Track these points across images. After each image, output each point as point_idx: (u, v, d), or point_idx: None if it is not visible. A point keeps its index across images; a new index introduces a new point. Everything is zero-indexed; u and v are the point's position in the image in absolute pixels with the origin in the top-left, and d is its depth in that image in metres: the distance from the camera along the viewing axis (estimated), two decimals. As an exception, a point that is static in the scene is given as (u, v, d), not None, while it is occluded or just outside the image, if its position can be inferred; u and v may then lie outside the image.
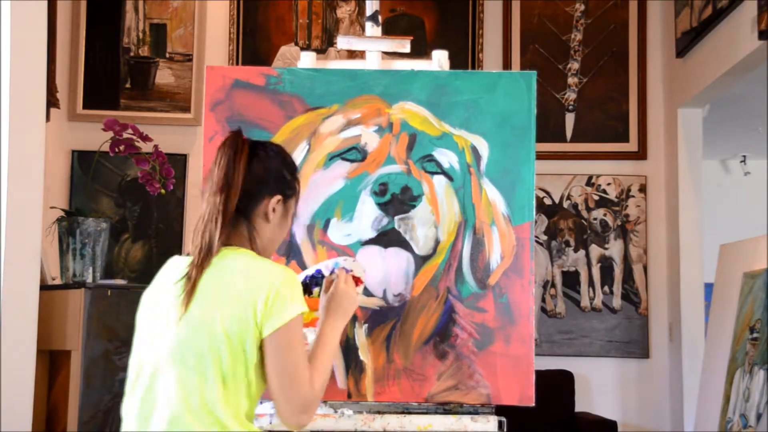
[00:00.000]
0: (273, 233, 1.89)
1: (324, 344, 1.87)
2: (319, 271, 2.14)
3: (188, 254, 1.81)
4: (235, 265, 1.76)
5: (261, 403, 1.79)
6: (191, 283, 1.73)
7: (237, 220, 1.83)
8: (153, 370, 1.73)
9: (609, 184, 4.99)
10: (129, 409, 1.76)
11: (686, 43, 4.52)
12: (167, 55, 4.96)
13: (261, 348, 1.72)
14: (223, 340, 1.69)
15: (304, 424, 1.74)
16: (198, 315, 1.72)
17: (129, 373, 1.79)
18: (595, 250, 4.95)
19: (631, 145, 4.99)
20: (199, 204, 1.86)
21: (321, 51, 4.94)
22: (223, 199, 1.78)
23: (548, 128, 4.96)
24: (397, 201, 2.35)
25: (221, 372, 1.69)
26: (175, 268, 1.82)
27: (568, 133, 5.03)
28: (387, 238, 2.34)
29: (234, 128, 1.92)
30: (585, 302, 4.93)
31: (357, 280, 2.11)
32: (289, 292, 1.73)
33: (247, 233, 1.84)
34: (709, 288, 4.52)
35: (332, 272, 2.10)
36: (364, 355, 2.34)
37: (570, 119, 5.03)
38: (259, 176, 1.85)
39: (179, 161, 4.81)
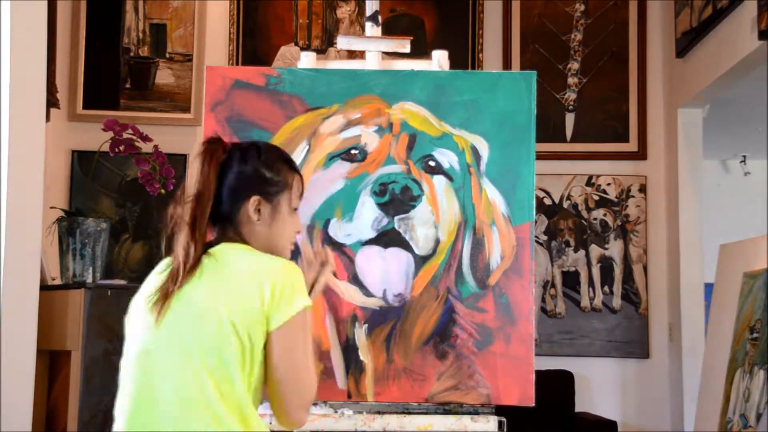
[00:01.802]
0: (270, 233, 1.85)
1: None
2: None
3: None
4: (236, 257, 1.75)
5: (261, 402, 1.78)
6: (172, 287, 1.72)
7: (224, 225, 1.83)
8: (149, 369, 1.71)
9: (609, 184, 4.99)
10: (123, 408, 1.74)
11: (686, 43, 4.52)
12: (167, 56, 4.96)
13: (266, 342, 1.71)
14: (231, 332, 1.67)
15: (303, 422, 1.74)
16: (203, 307, 1.70)
17: (122, 374, 1.77)
18: (595, 250, 4.96)
19: (631, 145, 4.99)
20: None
21: (321, 51, 4.94)
22: (193, 207, 1.77)
23: (548, 128, 4.96)
24: (397, 201, 2.35)
25: (230, 365, 1.67)
26: (159, 273, 1.81)
27: (568, 133, 5.03)
28: (387, 238, 2.34)
29: (233, 130, 1.92)
30: (585, 302, 4.93)
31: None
32: (296, 283, 1.72)
33: (238, 238, 1.82)
34: (709, 288, 4.51)
35: None
36: (364, 355, 2.34)
37: (570, 119, 5.03)
38: (230, 181, 1.83)
39: (179, 161, 4.81)
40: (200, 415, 1.65)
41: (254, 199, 1.83)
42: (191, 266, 1.73)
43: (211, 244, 1.79)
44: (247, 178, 1.83)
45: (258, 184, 1.84)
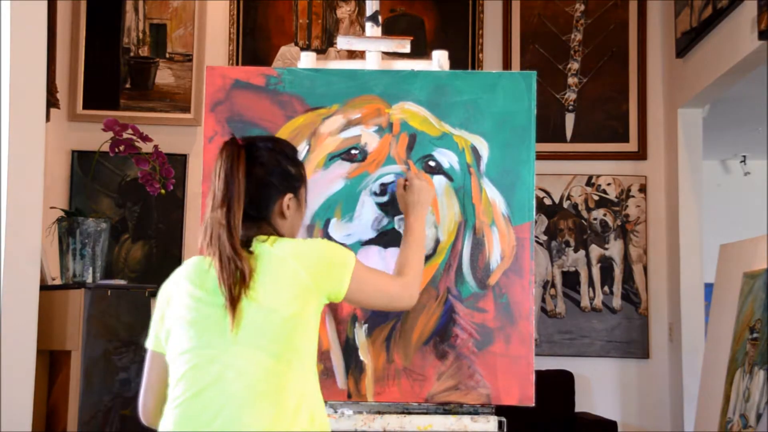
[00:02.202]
0: (292, 224, 1.94)
1: (412, 231, 2.13)
2: (392, 178, 2.31)
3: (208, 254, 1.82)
4: (277, 250, 1.80)
5: None
6: (231, 299, 1.74)
7: (257, 223, 1.86)
8: (218, 366, 1.73)
9: (609, 184, 4.99)
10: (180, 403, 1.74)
11: (686, 43, 4.52)
12: (167, 55, 4.96)
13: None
14: (294, 322, 1.75)
15: (415, 300, 2.04)
16: (268, 305, 1.74)
17: (177, 370, 1.77)
18: (595, 250, 4.95)
19: (631, 145, 4.99)
20: (199, 204, 1.87)
21: (321, 51, 4.94)
22: (225, 212, 1.78)
23: (548, 128, 4.96)
24: (397, 201, 2.35)
25: (295, 354, 1.75)
26: (205, 273, 1.81)
27: (568, 133, 5.03)
28: (387, 238, 2.34)
29: (233, 130, 1.93)
30: (585, 302, 4.93)
31: None
32: (332, 249, 1.86)
33: (272, 231, 1.88)
34: (709, 288, 4.51)
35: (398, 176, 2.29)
36: (364, 355, 2.34)
37: (570, 119, 5.03)
38: (262, 181, 1.87)
39: (179, 161, 4.81)
40: (272, 405, 1.70)
41: (288, 196, 1.91)
42: (242, 269, 1.75)
43: (249, 241, 1.82)
44: (279, 175, 1.90)
45: (287, 179, 1.91)
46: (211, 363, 1.74)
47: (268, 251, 1.80)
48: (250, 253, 1.79)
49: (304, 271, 1.78)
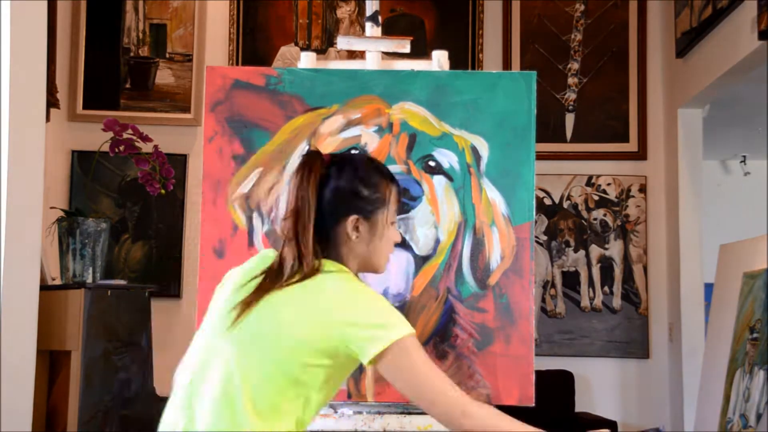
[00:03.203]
0: (367, 249, 1.82)
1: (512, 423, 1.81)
2: None
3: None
4: (328, 287, 1.72)
5: None
6: (257, 294, 1.71)
7: (322, 241, 1.78)
8: (207, 361, 1.71)
9: (609, 184, 4.99)
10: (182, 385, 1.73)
11: (686, 43, 4.52)
12: (167, 56, 4.96)
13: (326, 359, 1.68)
14: (297, 359, 1.66)
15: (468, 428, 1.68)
16: (284, 324, 1.68)
17: (192, 359, 1.75)
18: (595, 251, 4.95)
19: (631, 145, 4.99)
20: (199, 204, 1.86)
21: (321, 51, 4.94)
22: (292, 224, 1.75)
23: (548, 128, 4.96)
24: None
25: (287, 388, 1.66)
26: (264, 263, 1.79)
27: (568, 134, 5.03)
28: (387, 238, 2.34)
29: (235, 129, 1.91)
30: (585, 302, 4.93)
31: None
32: (382, 318, 1.69)
33: (333, 252, 1.79)
34: (709, 288, 4.51)
35: None
36: (364, 355, 2.34)
37: (570, 119, 5.03)
38: (328, 198, 1.79)
39: (179, 161, 4.81)
40: (227, 420, 1.65)
41: (352, 218, 1.79)
42: (289, 279, 1.71)
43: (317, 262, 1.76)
44: (344, 196, 1.80)
45: (356, 202, 1.80)
46: (199, 359, 1.74)
47: (319, 284, 1.72)
48: (308, 276, 1.73)
49: (337, 323, 1.68)
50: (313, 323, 1.67)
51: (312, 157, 1.80)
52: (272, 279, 1.73)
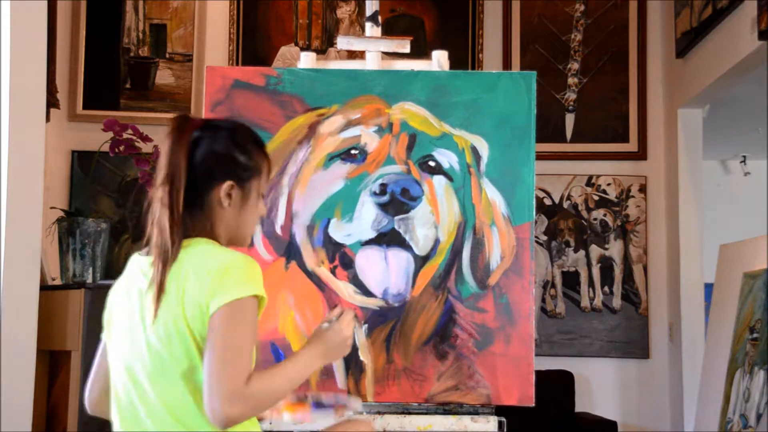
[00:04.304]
0: (237, 219, 1.75)
1: (291, 361, 1.71)
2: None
3: (148, 252, 1.71)
4: (190, 258, 1.64)
5: None
6: (157, 286, 1.62)
7: (192, 209, 1.70)
8: (131, 381, 1.67)
9: (609, 184, 4.99)
10: (114, 419, 1.71)
11: (686, 43, 4.52)
12: (167, 56, 4.96)
13: None
14: (193, 343, 1.60)
15: (231, 421, 1.54)
16: (166, 320, 1.62)
17: (112, 377, 1.73)
18: (595, 251, 4.95)
19: (631, 145, 4.99)
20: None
21: (321, 51, 4.93)
22: (168, 190, 1.65)
23: (548, 128, 4.96)
24: (397, 201, 2.35)
25: (196, 377, 1.59)
26: (139, 268, 1.72)
27: (568, 134, 5.02)
28: (387, 238, 2.34)
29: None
30: (585, 302, 4.93)
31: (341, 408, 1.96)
32: (241, 273, 1.61)
33: (206, 223, 1.72)
34: (709, 288, 4.51)
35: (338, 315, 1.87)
36: (364, 355, 2.34)
37: (570, 119, 5.03)
38: (202, 163, 1.71)
39: (179, 161, 4.80)
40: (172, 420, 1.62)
41: (228, 184, 1.72)
42: (173, 257, 1.63)
43: (185, 233, 1.68)
44: (220, 160, 1.73)
45: (232, 167, 1.73)
46: (121, 368, 1.71)
47: (188, 255, 1.66)
48: (183, 247, 1.66)
49: (201, 283, 1.61)
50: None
51: (182, 120, 1.72)
52: (162, 269, 1.63)
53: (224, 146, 1.74)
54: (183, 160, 1.68)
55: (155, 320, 1.63)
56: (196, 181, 1.70)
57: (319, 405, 1.95)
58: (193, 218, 1.71)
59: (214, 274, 1.60)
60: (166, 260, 1.63)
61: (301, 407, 1.94)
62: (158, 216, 1.66)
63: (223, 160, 1.73)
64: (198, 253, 1.66)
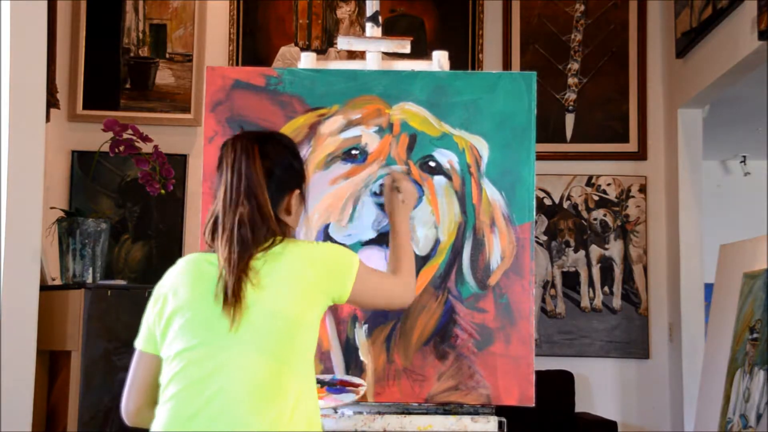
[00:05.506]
0: (296, 222, 1.94)
1: (400, 233, 2.15)
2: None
3: (212, 250, 1.81)
4: (289, 252, 1.79)
5: None
6: (234, 298, 1.73)
7: (266, 220, 1.82)
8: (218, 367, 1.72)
9: (609, 184, 4.99)
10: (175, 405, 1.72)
11: (686, 43, 4.52)
12: (167, 56, 4.96)
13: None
14: (298, 324, 1.74)
15: (413, 298, 2.09)
16: (274, 307, 1.74)
17: (171, 370, 1.74)
18: (595, 251, 4.96)
19: (631, 146, 4.99)
20: (199, 204, 1.85)
21: (321, 51, 4.93)
22: (256, 206, 1.78)
23: (548, 129, 4.97)
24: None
25: (296, 355, 1.74)
26: (206, 271, 1.79)
27: (568, 134, 5.03)
28: (387, 238, 2.34)
29: (235, 129, 1.91)
30: (585, 302, 4.93)
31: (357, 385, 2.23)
32: (337, 252, 1.86)
33: (285, 229, 1.87)
34: (709, 288, 4.52)
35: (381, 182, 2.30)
36: (364, 355, 2.34)
37: (570, 120, 5.03)
38: (276, 177, 1.85)
39: (179, 162, 4.81)
40: (272, 406, 1.69)
41: (296, 192, 1.91)
42: (250, 269, 1.75)
43: (260, 239, 1.80)
44: (289, 171, 1.89)
45: (295, 176, 1.91)
46: (207, 360, 1.71)
47: (278, 252, 1.79)
48: (265, 250, 1.78)
49: (311, 273, 1.78)
50: (290, 287, 1.79)
51: (247, 140, 1.84)
52: (238, 280, 1.74)
53: (287, 158, 1.90)
54: (260, 176, 1.80)
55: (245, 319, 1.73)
56: (273, 194, 1.84)
57: (333, 389, 2.19)
58: (269, 227, 1.83)
59: (330, 260, 1.84)
60: (241, 271, 1.75)
61: (321, 392, 2.13)
62: (237, 232, 1.77)
63: (290, 172, 1.89)
64: (292, 246, 1.81)
